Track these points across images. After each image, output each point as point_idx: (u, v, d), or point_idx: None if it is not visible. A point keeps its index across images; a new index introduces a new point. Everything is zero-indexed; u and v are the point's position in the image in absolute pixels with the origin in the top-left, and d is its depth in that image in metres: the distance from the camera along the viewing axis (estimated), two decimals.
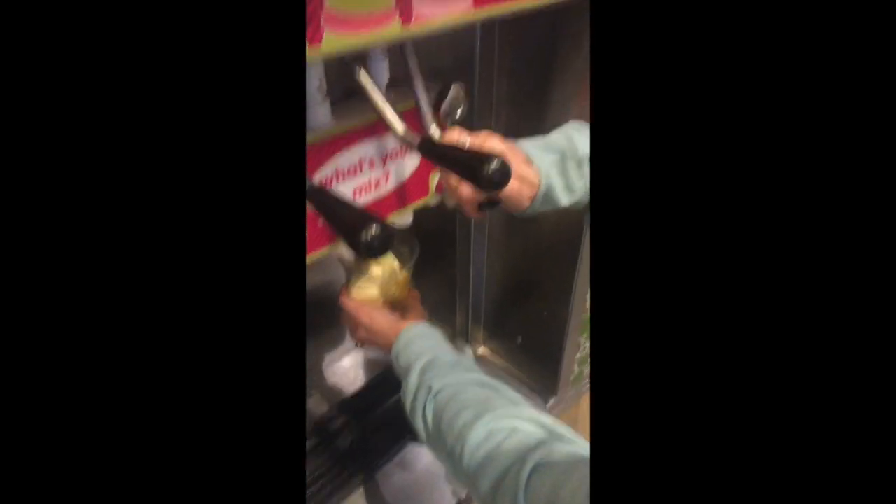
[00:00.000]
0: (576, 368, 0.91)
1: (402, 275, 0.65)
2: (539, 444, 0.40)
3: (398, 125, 0.46)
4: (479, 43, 0.66)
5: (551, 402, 0.90)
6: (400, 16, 0.42)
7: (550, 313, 0.83)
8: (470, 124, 0.75)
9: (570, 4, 0.57)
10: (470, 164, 0.36)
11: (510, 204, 0.48)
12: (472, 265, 0.90)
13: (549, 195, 0.48)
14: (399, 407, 0.59)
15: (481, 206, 0.50)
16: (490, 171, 0.36)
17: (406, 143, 0.46)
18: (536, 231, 0.79)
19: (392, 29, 0.42)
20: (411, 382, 0.52)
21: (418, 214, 0.71)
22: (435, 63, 0.68)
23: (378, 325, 0.61)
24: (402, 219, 0.64)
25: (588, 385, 0.99)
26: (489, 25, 0.67)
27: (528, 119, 0.71)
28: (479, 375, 0.51)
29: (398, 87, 0.54)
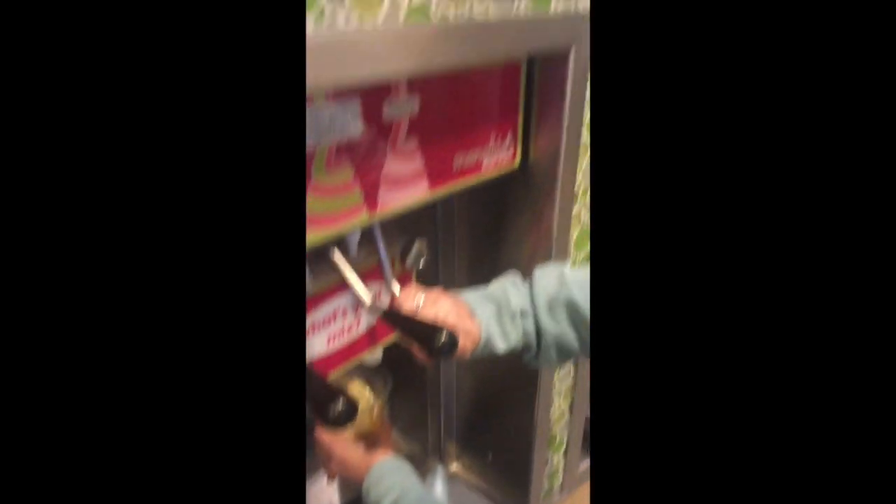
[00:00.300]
0: (545, 484, 0.93)
1: (377, 407, 0.70)
2: None
3: (366, 298, 0.54)
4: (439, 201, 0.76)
5: None
6: (367, 208, 0.50)
7: (516, 431, 0.87)
8: (436, 263, 0.83)
9: (520, 168, 0.68)
10: (424, 336, 0.43)
11: (456, 355, 0.55)
12: (442, 384, 0.95)
13: (487, 344, 0.56)
14: None
15: (430, 357, 0.57)
16: (440, 344, 0.43)
17: (372, 314, 0.53)
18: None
19: (361, 219, 0.50)
20: None
21: (394, 345, 0.77)
22: (403, 216, 0.78)
23: (350, 460, 0.65)
24: (373, 356, 0.70)
25: (565, 497, 1.01)
26: None
27: (488, 257, 0.79)
28: None
29: (368, 244, 0.62)
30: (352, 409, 0.38)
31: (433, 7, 0.43)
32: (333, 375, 0.63)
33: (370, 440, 0.68)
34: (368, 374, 0.74)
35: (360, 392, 0.73)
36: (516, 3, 0.50)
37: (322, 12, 0.37)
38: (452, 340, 0.44)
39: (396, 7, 0.41)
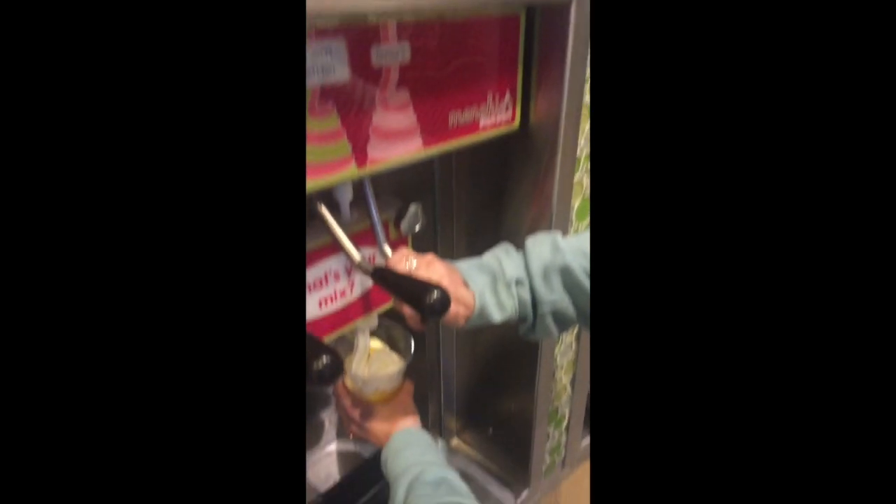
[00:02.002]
0: (547, 459, 0.92)
1: (400, 369, 0.68)
2: None
3: (355, 254, 0.52)
4: (437, 163, 0.74)
5: (524, 494, 0.91)
6: (356, 160, 0.48)
7: (517, 406, 0.86)
8: (434, 232, 0.81)
9: (516, 132, 0.65)
10: (415, 295, 0.42)
11: (449, 321, 0.53)
12: (442, 360, 0.93)
13: (483, 313, 0.54)
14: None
15: (422, 320, 0.55)
16: (432, 303, 0.41)
17: (361, 272, 0.52)
18: (498, 328, 0.83)
19: (349, 172, 0.48)
20: (398, 497, 0.55)
21: (389, 312, 0.75)
22: (400, 180, 0.76)
23: (370, 425, 0.65)
24: (369, 322, 0.68)
25: (567, 472, 1.00)
26: None
27: (488, 225, 0.77)
28: (459, 498, 0.53)
29: (361, 206, 0.60)
30: (336, 366, 0.36)
31: None
32: (327, 340, 0.62)
33: (392, 404, 0.67)
34: (391, 336, 0.72)
35: (384, 354, 0.72)
36: None
37: None
38: (444, 298, 0.42)
39: None
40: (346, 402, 0.67)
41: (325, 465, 0.93)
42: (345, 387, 0.69)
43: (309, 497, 0.85)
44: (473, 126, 0.59)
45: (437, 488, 0.54)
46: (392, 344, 0.73)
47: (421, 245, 0.67)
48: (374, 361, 0.71)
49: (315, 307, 0.60)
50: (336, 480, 0.88)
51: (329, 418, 0.95)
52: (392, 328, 0.72)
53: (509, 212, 0.75)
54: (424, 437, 0.62)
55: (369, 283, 0.65)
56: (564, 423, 0.92)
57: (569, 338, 0.83)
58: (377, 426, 0.65)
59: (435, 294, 0.41)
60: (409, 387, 0.71)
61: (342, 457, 0.95)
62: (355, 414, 0.66)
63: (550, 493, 0.99)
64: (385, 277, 0.47)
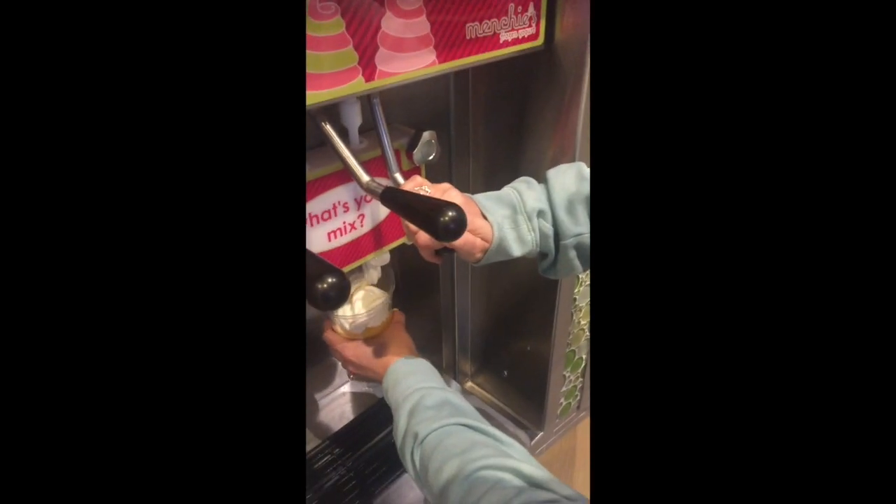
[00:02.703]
0: (562, 402, 0.91)
1: (385, 303, 0.66)
2: (514, 497, 0.41)
3: (362, 174, 0.48)
4: (452, 90, 0.69)
5: (539, 436, 0.90)
6: (363, 73, 0.44)
7: (533, 348, 0.84)
8: (448, 168, 0.77)
9: (541, 49, 0.60)
10: (427, 215, 0.38)
11: (465, 253, 0.50)
12: (457, 301, 0.91)
13: (501, 246, 0.50)
14: (388, 443, 0.60)
15: (437, 252, 0.52)
16: (446, 221, 0.37)
17: (369, 192, 0.48)
18: (515, 268, 0.80)
19: (356, 85, 0.44)
20: (400, 425, 0.54)
21: (402, 253, 0.72)
22: (413, 109, 0.71)
23: (365, 361, 0.63)
24: (380, 259, 0.65)
25: (583, 416, 0.99)
26: (462, 72, 0.69)
27: (506, 160, 0.73)
28: (463, 418, 0.51)
29: (371, 132, 0.56)
30: (343, 287, 0.33)
31: None
32: None
33: (383, 338, 0.65)
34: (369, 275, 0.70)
35: (365, 291, 0.70)
36: None
37: None
38: (460, 217, 0.38)
39: None
40: (339, 346, 0.65)
41: (338, 404, 0.93)
42: (334, 333, 0.67)
43: (322, 436, 0.85)
44: (494, 41, 0.53)
45: (439, 410, 0.52)
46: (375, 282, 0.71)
47: (435, 175, 0.63)
48: (357, 301, 0.69)
49: (323, 240, 0.57)
50: (349, 420, 0.88)
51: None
52: (366, 265, 0.69)
53: (529, 145, 0.70)
54: (422, 364, 0.60)
55: (380, 216, 0.62)
56: (581, 367, 0.90)
57: (589, 279, 0.79)
58: (373, 362, 0.63)
59: (449, 213, 0.37)
60: (400, 317, 0.69)
61: (356, 397, 0.94)
62: (350, 354, 0.64)
63: (567, 434, 0.98)
64: (395, 198, 0.43)
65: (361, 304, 0.68)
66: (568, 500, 0.41)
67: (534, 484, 0.43)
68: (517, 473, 0.44)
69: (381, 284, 0.69)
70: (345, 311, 0.66)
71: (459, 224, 0.38)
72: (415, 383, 0.56)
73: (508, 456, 0.46)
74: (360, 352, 0.64)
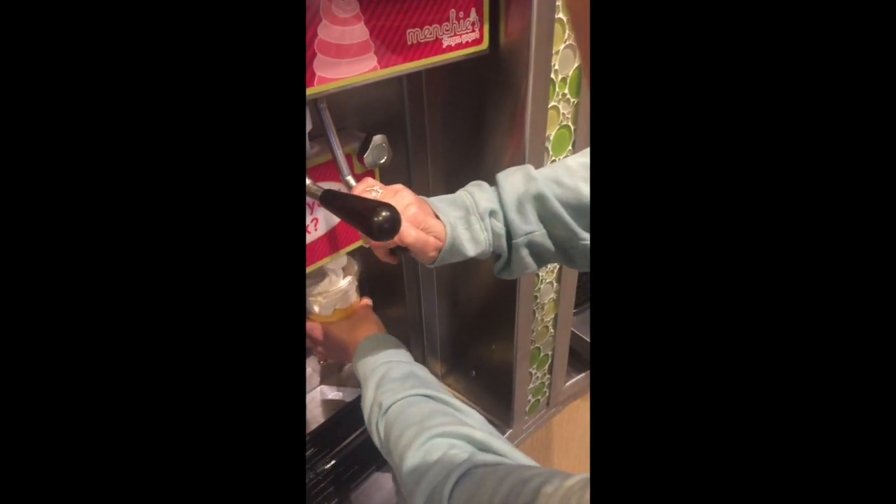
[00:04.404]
0: (530, 398, 0.92)
1: (352, 284, 0.68)
2: (464, 461, 0.43)
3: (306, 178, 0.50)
4: (406, 95, 0.70)
5: (508, 432, 0.91)
6: None
7: (498, 348, 0.85)
8: (407, 171, 0.78)
9: (486, 53, 0.61)
10: (362, 215, 0.39)
11: (418, 252, 0.51)
12: (424, 307, 0.92)
13: (455, 245, 0.52)
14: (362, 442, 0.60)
15: (392, 251, 0.53)
16: (379, 221, 0.38)
17: (310, 196, 0.49)
18: (478, 271, 0.82)
19: None
20: (367, 396, 0.56)
21: (365, 256, 0.73)
22: (368, 115, 0.72)
23: (334, 341, 0.65)
24: (339, 262, 0.67)
25: (553, 412, 1.00)
26: (415, 77, 0.71)
27: (465, 162, 0.74)
28: (426, 389, 0.53)
29: (322, 137, 0.57)
30: (395, 218, 0.39)
31: None
32: None
33: (352, 317, 0.68)
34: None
35: (334, 272, 0.71)
36: None
37: None
38: (393, 217, 0.39)
39: None
40: (309, 328, 0.68)
41: (308, 410, 0.93)
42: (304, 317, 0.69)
43: None
44: (436, 45, 0.55)
45: (403, 382, 0.54)
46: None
47: (392, 178, 0.64)
48: (324, 282, 0.71)
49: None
50: (318, 424, 0.88)
51: (312, 366, 0.94)
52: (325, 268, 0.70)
53: (488, 148, 0.72)
54: (390, 340, 0.63)
55: (335, 220, 0.63)
56: (548, 364, 0.91)
57: (549, 277, 0.81)
58: (342, 340, 0.65)
59: (383, 213, 0.38)
60: (367, 300, 0.71)
61: (325, 403, 0.95)
62: (320, 334, 0.67)
63: (540, 430, 0.99)
64: (332, 200, 0.44)
65: (328, 284, 0.70)
66: (517, 462, 0.43)
67: (484, 448, 0.45)
68: (470, 440, 0.46)
69: (346, 270, 0.71)
70: (311, 294, 0.68)
71: (393, 223, 0.39)
72: (383, 357, 0.59)
73: (464, 424, 0.48)
74: (328, 331, 0.66)
